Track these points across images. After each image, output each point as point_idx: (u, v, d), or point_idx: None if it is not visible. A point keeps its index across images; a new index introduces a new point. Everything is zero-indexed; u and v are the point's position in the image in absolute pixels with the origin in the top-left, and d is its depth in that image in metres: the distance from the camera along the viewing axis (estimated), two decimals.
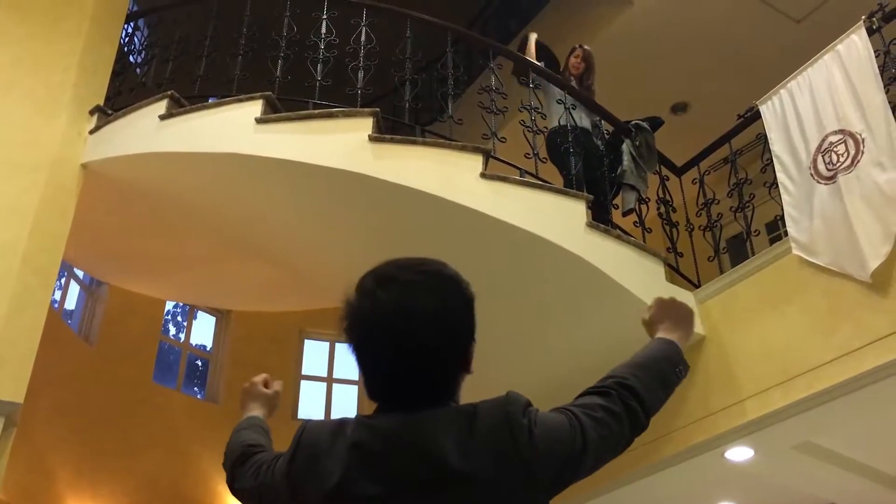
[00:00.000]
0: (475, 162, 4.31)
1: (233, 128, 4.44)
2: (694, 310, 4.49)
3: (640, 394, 1.40)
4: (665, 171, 5.21)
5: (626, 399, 1.38)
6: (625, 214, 5.08)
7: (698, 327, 4.51)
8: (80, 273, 7.59)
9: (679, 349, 1.55)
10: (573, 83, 5.47)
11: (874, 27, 4.23)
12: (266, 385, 1.80)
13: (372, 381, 1.34)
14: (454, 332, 1.32)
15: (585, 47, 5.76)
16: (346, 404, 9.39)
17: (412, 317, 1.27)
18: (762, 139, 4.74)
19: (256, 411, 1.74)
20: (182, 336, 9.64)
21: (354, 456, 1.25)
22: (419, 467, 1.22)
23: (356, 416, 1.35)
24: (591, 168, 5.05)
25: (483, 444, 1.22)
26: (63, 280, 7.47)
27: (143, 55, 5.87)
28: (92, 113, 4.93)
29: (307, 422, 1.38)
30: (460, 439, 1.22)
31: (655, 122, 5.45)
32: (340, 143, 4.30)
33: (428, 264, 1.35)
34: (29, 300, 4.16)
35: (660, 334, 1.58)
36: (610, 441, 1.33)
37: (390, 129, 4.92)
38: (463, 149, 4.36)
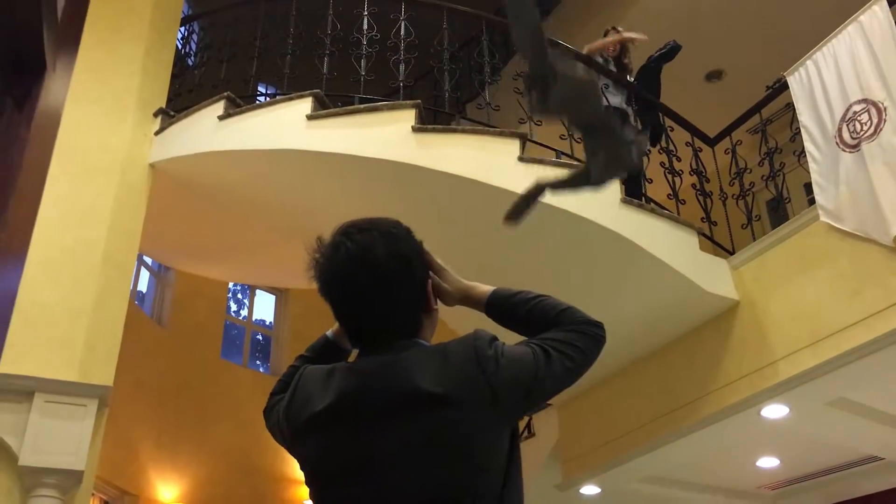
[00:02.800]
0: (512, 146, 4.57)
1: (286, 125, 4.76)
2: (727, 275, 4.70)
3: (582, 317, 1.53)
4: (698, 143, 5.39)
5: (587, 330, 1.50)
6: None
7: (732, 293, 4.74)
8: (148, 260, 8.07)
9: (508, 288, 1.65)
10: (610, 65, 5.67)
11: None
12: None
13: (345, 326, 1.53)
14: (410, 270, 1.47)
15: (620, 28, 5.94)
16: None
17: (369, 259, 1.43)
18: (791, 108, 4.89)
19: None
20: (243, 313, 10.12)
21: (339, 394, 1.41)
22: (396, 397, 1.36)
23: (343, 363, 1.50)
24: None
25: (455, 373, 1.36)
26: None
27: (198, 57, 6.23)
28: (156, 115, 5.30)
29: (305, 368, 1.53)
30: (434, 371, 1.37)
31: (674, 49, 5.71)
32: (386, 134, 4.59)
33: (380, 220, 1.51)
34: (111, 293, 4.57)
35: (479, 289, 1.63)
36: (573, 366, 1.46)
37: (431, 115, 5.19)
38: (500, 134, 4.61)
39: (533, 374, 1.40)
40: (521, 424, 7.02)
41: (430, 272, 1.56)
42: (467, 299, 1.61)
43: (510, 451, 1.39)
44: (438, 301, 1.57)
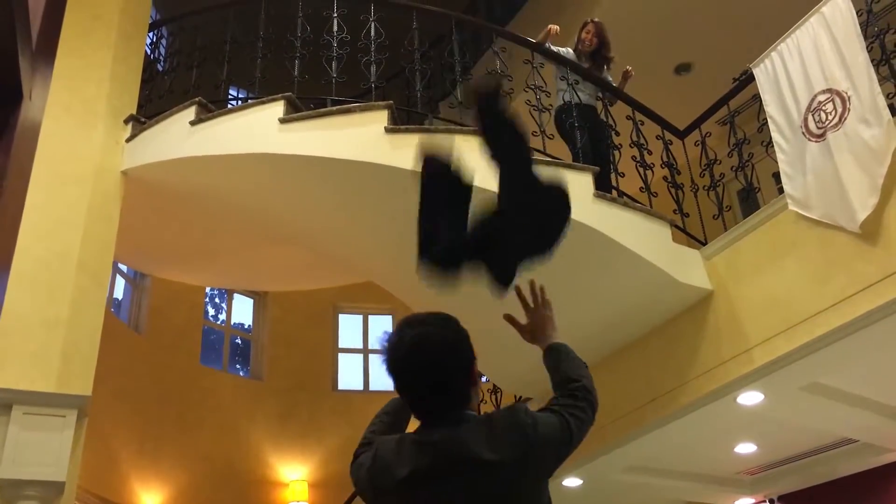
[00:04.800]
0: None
1: (258, 129, 4.76)
2: (700, 265, 4.75)
3: (591, 389, 1.98)
4: (668, 136, 5.44)
5: (587, 396, 1.95)
6: None
7: (706, 283, 4.81)
8: (123, 267, 8.02)
9: (569, 347, 2.13)
10: (583, 60, 5.71)
11: None
12: None
13: (410, 401, 1.86)
14: (459, 355, 1.82)
15: (596, 20, 5.94)
16: (382, 374, 9.79)
17: (427, 347, 1.78)
18: (758, 99, 4.96)
19: None
20: (221, 317, 10.08)
21: (417, 464, 1.74)
22: (461, 464, 1.70)
23: (409, 434, 1.83)
24: (596, 140, 5.32)
25: (502, 440, 1.72)
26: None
27: (167, 62, 6.21)
28: (126, 122, 5.27)
29: (379, 443, 1.87)
30: (485, 440, 1.72)
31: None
32: (358, 136, 4.60)
33: (436, 313, 1.87)
34: (87, 302, 4.55)
35: (548, 340, 2.13)
36: (584, 428, 1.89)
37: (404, 115, 5.20)
38: (473, 133, 4.62)
39: (561, 434, 1.81)
40: None
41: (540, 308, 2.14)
42: (536, 341, 2.13)
43: (549, 501, 1.79)
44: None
